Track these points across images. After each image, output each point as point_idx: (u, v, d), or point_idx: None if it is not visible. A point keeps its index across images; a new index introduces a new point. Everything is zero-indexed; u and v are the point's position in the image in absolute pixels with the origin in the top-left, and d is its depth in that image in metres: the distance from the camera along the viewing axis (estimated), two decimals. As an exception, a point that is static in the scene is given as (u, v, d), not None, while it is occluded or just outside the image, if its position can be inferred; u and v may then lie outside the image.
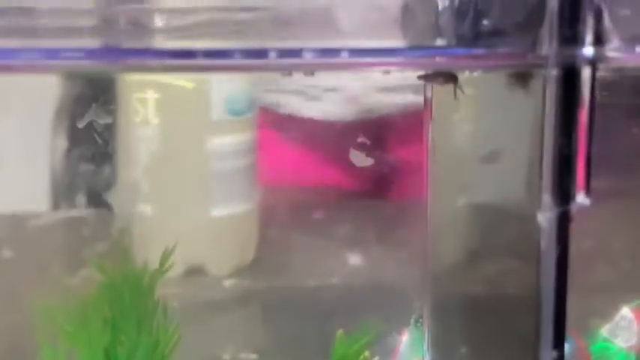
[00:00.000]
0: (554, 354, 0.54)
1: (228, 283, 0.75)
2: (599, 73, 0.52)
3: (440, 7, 0.55)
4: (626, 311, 0.72)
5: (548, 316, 0.55)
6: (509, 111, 0.58)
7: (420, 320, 0.71)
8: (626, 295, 0.72)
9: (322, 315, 0.73)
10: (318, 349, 0.68)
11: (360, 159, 0.67)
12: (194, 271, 0.73)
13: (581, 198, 0.53)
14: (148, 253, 0.64)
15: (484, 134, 0.62)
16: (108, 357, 0.62)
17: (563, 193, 0.53)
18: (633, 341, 0.71)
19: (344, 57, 0.54)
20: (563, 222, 0.53)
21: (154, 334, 0.63)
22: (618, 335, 0.72)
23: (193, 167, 0.73)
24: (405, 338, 0.72)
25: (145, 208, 0.71)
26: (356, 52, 0.54)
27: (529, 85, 0.55)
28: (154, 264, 0.63)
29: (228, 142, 0.72)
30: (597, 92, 0.52)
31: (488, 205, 0.64)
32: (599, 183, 0.54)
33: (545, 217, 0.53)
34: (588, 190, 0.53)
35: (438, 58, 0.55)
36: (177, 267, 0.68)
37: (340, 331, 0.66)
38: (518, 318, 0.58)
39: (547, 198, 0.53)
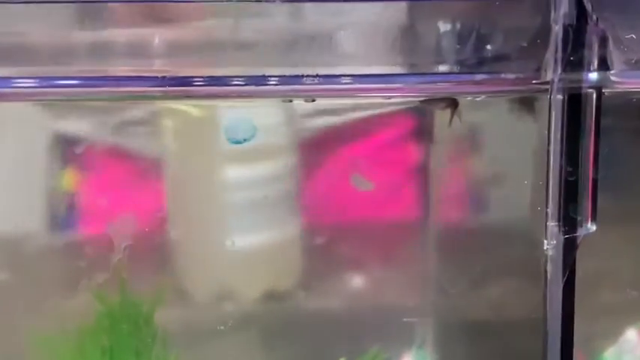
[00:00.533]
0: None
1: (226, 306, 0.74)
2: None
3: (442, 32, 0.54)
4: (631, 334, 0.71)
5: (555, 342, 0.54)
6: (513, 136, 0.58)
7: (423, 345, 0.71)
8: (631, 317, 0.71)
9: (324, 339, 0.72)
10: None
11: (362, 183, 0.66)
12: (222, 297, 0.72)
13: (588, 225, 0.52)
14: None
15: (488, 158, 0.61)
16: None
17: (570, 221, 0.52)
18: (638, 364, 0.71)
19: (346, 83, 0.53)
20: (570, 250, 0.52)
21: (153, 364, 0.63)
22: (623, 358, 0.71)
23: (211, 197, 0.72)
24: (407, 364, 0.72)
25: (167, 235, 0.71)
26: (358, 78, 0.53)
27: (534, 110, 0.54)
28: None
29: (249, 171, 0.70)
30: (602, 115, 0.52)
31: (492, 229, 0.63)
32: (604, 205, 0.53)
33: (552, 246, 0.52)
34: (595, 217, 0.52)
35: (440, 84, 0.54)
36: (208, 292, 0.68)
37: (342, 360, 0.66)
38: (523, 342, 0.57)
39: (553, 226, 0.52)
